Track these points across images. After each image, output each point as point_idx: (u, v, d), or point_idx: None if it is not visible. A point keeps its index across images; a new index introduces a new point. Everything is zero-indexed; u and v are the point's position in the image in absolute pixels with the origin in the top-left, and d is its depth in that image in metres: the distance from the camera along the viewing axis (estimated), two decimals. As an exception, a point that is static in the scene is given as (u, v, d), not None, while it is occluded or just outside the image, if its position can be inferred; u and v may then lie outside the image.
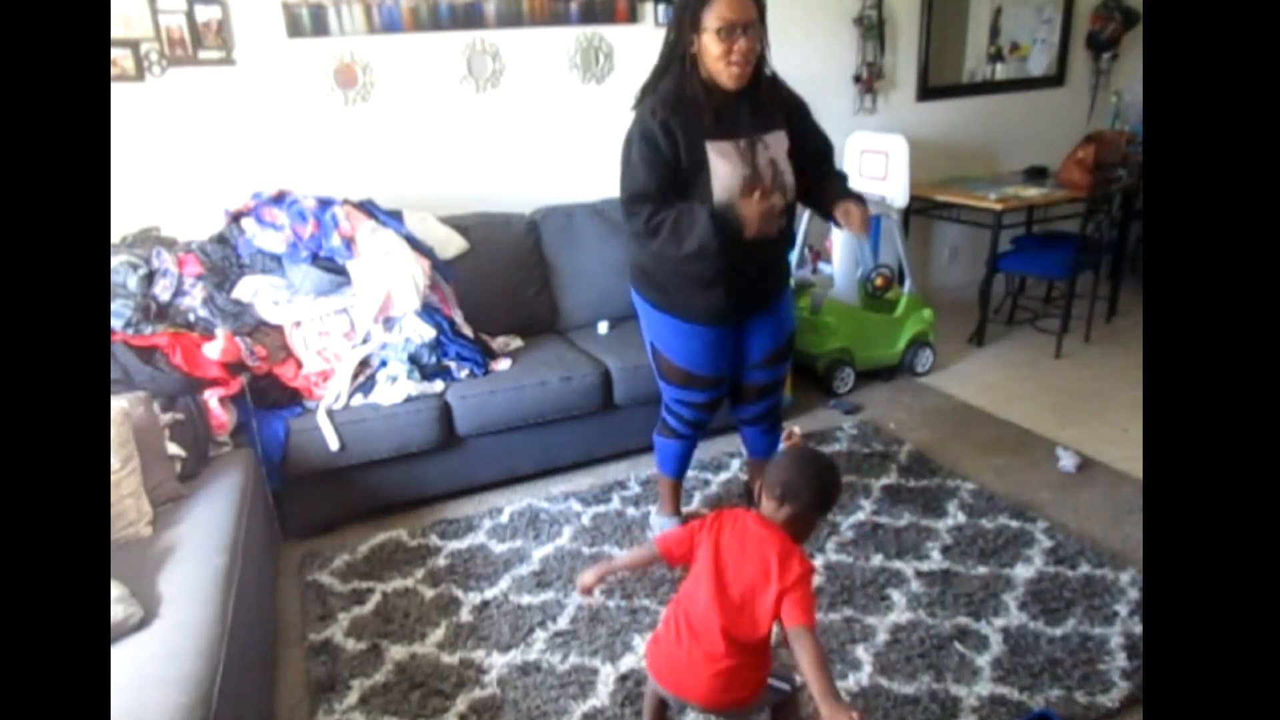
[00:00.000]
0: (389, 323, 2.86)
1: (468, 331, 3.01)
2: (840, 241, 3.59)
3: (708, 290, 2.21)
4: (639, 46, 3.65)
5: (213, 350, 2.55)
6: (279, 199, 2.85)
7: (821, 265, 3.91)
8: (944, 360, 3.94)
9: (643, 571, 2.46)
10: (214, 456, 2.47)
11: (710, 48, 2.02)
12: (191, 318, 2.65)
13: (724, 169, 2.08)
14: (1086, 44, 4.81)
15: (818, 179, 2.28)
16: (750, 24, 2.00)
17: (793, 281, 2.51)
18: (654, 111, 2.07)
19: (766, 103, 2.16)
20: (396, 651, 2.19)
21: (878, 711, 1.94)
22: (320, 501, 2.73)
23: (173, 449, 2.30)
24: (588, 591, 1.78)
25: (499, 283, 3.27)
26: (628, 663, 2.12)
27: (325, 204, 2.85)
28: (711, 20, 1.99)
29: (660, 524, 2.66)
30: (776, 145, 2.16)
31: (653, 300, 2.32)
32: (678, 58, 2.09)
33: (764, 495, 1.64)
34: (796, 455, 1.74)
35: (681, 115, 2.07)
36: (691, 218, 2.06)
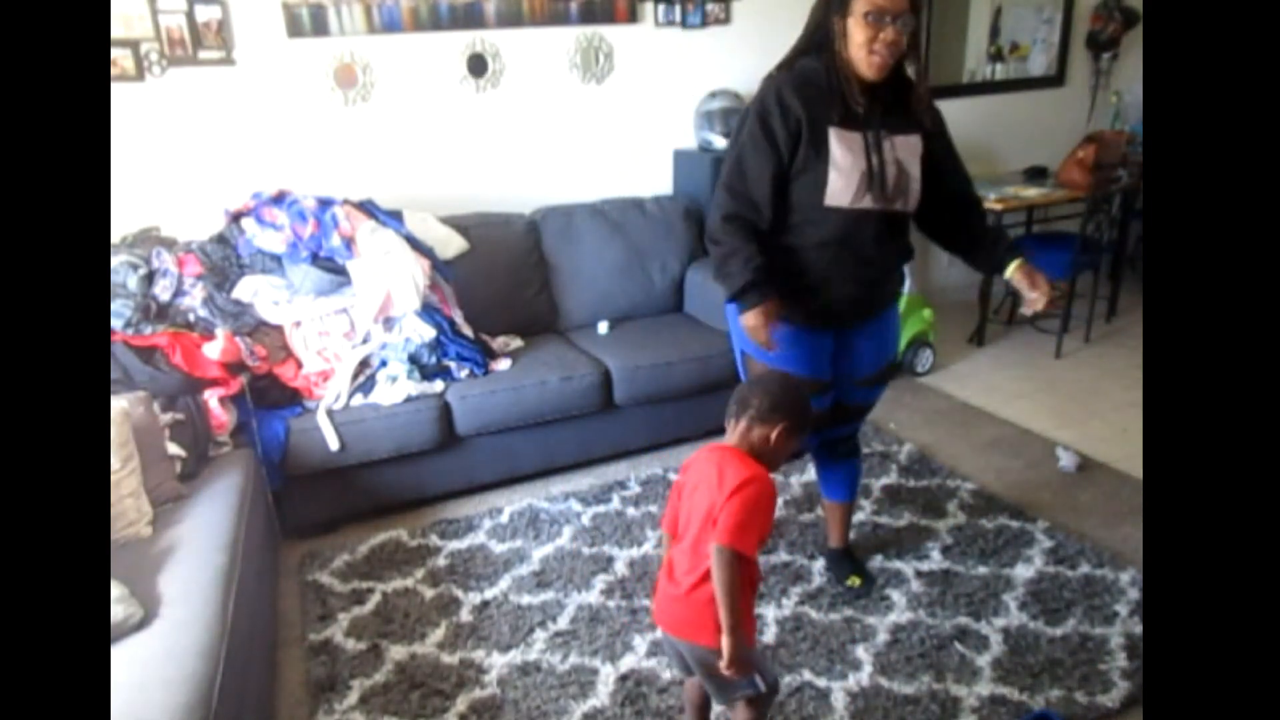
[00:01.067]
0: (389, 323, 2.86)
1: (468, 331, 3.01)
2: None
3: (811, 295, 2.04)
4: (639, 46, 3.65)
5: (213, 350, 2.55)
6: (279, 199, 2.85)
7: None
8: (944, 360, 3.94)
9: (642, 571, 2.47)
10: (214, 456, 2.47)
11: (855, 33, 1.87)
12: (191, 318, 2.65)
13: (845, 159, 1.92)
14: (1086, 44, 4.81)
15: (960, 215, 2.14)
16: (902, 14, 1.85)
17: (903, 300, 2.32)
18: (778, 89, 1.94)
19: (908, 105, 1.99)
20: (396, 651, 2.19)
21: (878, 711, 1.95)
22: (320, 501, 2.73)
23: (173, 449, 2.30)
24: None
25: (499, 283, 3.27)
26: (628, 663, 2.12)
27: (325, 204, 2.85)
28: (860, 4, 1.85)
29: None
30: (907, 149, 1.98)
31: None
32: (818, 40, 1.96)
33: (726, 423, 1.64)
34: (758, 374, 1.74)
35: (809, 97, 1.93)
36: (739, 266, 1.95)
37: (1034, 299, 2.06)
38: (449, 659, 2.16)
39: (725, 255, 1.98)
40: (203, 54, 3.02)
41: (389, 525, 2.78)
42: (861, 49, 1.88)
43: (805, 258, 2.01)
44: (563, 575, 2.48)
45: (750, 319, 1.96)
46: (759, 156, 1.95)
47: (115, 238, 2.84)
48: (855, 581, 2.37)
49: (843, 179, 1.92)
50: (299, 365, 2.79)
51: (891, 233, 2.04)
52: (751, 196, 1.97)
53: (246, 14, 3.05)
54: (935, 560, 2.47)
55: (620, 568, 2.51)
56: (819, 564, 2.48)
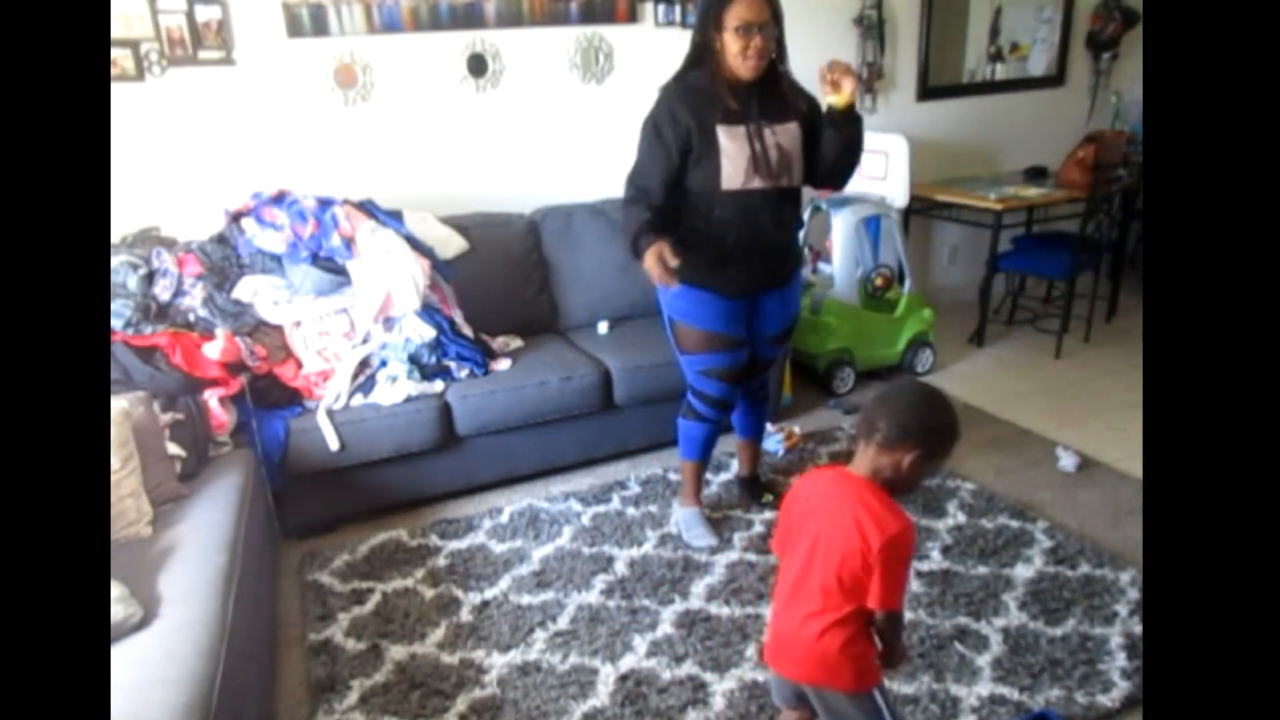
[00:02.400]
0: (389, 323, 2.86)
1: (468, 331, 3.01)
2: (840, 241, 3.59)
3: (723, 266, 2.36)
4: (639, 46, 3.65)
5: (213, 350, 2.55)
6: (279, 199, 2.85)
7: (821, 265, 3.90)
8: (944, 360, 3.94)
9: (642, 571, 2.47)
10: (214, 456, 2.47)
11: (730, 45, 2.23)
12: (191, 318, 2.65)
13: (732, 148, 2.27)
14: (1086, 44, 4.81)
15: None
16: (765, 24, 2.21)
17: (805, 271, 2.57)
18: (669, 103, 2.31)
19: (782, 98, 2.34)
20: (396, 651, 2.19)
21: (878, 711, 1.94)
22: (320, 501, 2.73)
23: (173, 449, 2.30)
24: None
25: (499, 283, 3.27)
26: (628, 663, 2.12)
27: (325, 204, 2.85)
28: (731, 20, 2.20)
29: (682, 515, 2.69)
30: (786, 134, 2.33)
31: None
32: (700, 55, 2.31)
33: (856, 438, 1.48)
34: (889, 385, 1.54)
35: (696, 104, 2.28)
36: (632, 225, 2.27)
37: (833, 79, 2.26)
38: (449, 659, 2.16)
39: (624, 226, 2.33)
40: (203, 54, 3.02)
41: (389, 525, 2.78)
42: (737, 57, 2.23)
43: (713, 235, 2.34)
44: (563, 575, 2.48)
45: (647, 260, 2.19)
46: (653, 158, 2.31)
47: (115, 238, 2.84)
48: (769, 498, 2.82)
49: (732, 165, 2.28)
50: (299, 365, 2.79)
51: (783, 206, 2.40)
52: (646, 186, 2.32)
53: (246, 14, 3.05)
54: (935, 560, 2.47)
55: (620, 568, 2.51)
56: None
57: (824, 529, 1.44)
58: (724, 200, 2.31)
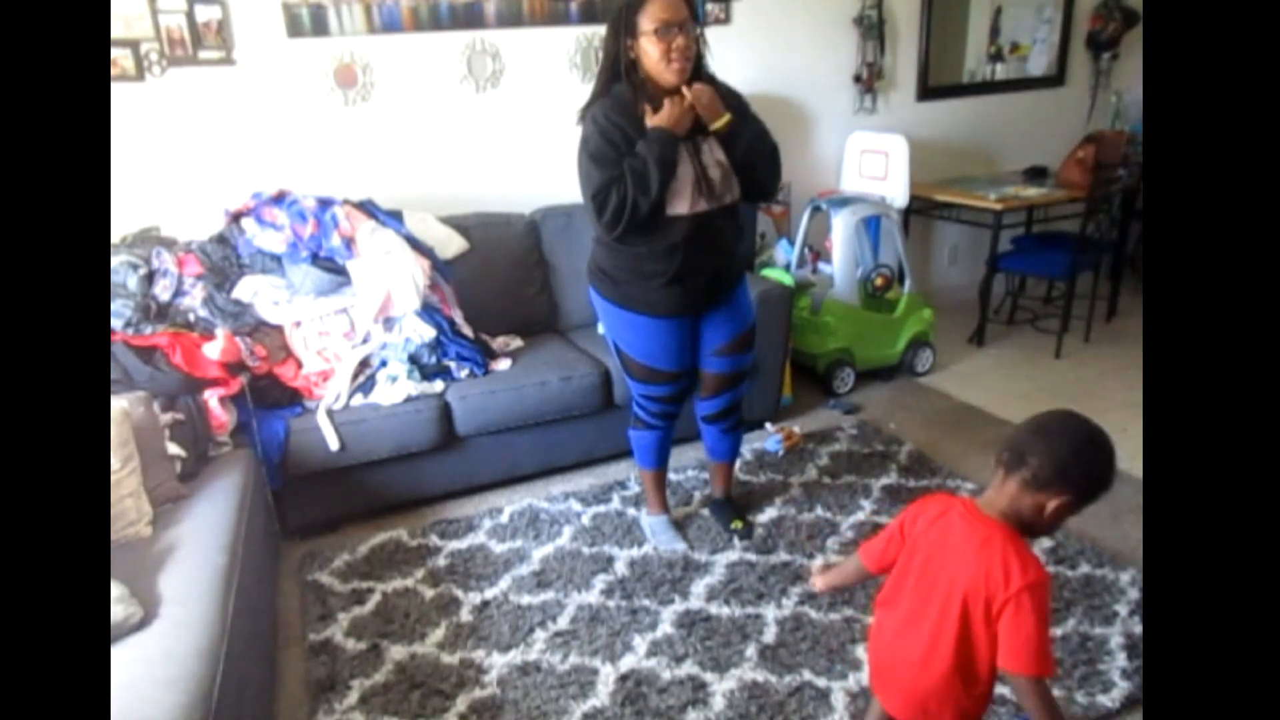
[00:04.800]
0: (389, 323, 2.86)
1: (468, 331, 3.01)
2: (840, 241, 3.59)
3: (665, 288, 2.26)
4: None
5: (213, 350, 2.55)
6: (279, 199, 2.85)
7: (821, 265, 3.90)
8: (944, 360, 3.94)
9: (642, 571, 2.47)
10: (214, 456, 2.47)
11: (649, 50, 2.09)
12: (191, 318, 2.65)
13: (676, 169, 2.14)
14: (1086, 44, 4.81)
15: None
16: (685, 22, 2.08)
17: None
18: (601, 118, 2.13)
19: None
20: (396, 651, 2.19)
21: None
22: (320, 501, 2.73)
23: (173, 449, 2.30)
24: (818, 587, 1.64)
25: (499, 283, 3.27)
26: (628, 663, 2.12)
27: (325, 204, 2.85)
28: (647, 23, 2.07)
29: (650, 524, 2.66)
30: (717, 147, 2.21)
31: (611, 297, 2.35)
32: (617, 70, 2.16)
33: (995, 468, 1.33)
34: (1048, 416, 1.34)
35: (628, 120, 2.13)
36: (640, 160, 2.10)
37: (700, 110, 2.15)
38: (449, 659, 2.16)
39: (629, 181, 2.09)
40: (203, 54, 3.02)
41: (389, 525, 2.78)
42: (660, 62, 2.09)
43: (658, 260, 2.21)
44: (563, 575, 2.48)
45: (667, 115, 2.10)
46: (608, 171, 2.10)
47: (115, 238, 2.84)
48: (738, 524, 2.66)
49: (676, 188, 2.14)
50: (299, 365, 2.79)
51: (726, 225, 2.28)
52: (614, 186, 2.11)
53: (246, 14, 3.05)
54: (935, 560, 2.47)
55: (620, 568, 2.51)
56: (818, 563, 2.48)
57: (948, 573, 1.32)
58: (669, 225, 2.17)
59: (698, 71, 2.18)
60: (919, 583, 1.39)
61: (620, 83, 2.16)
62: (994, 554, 1.26)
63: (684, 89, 2.12)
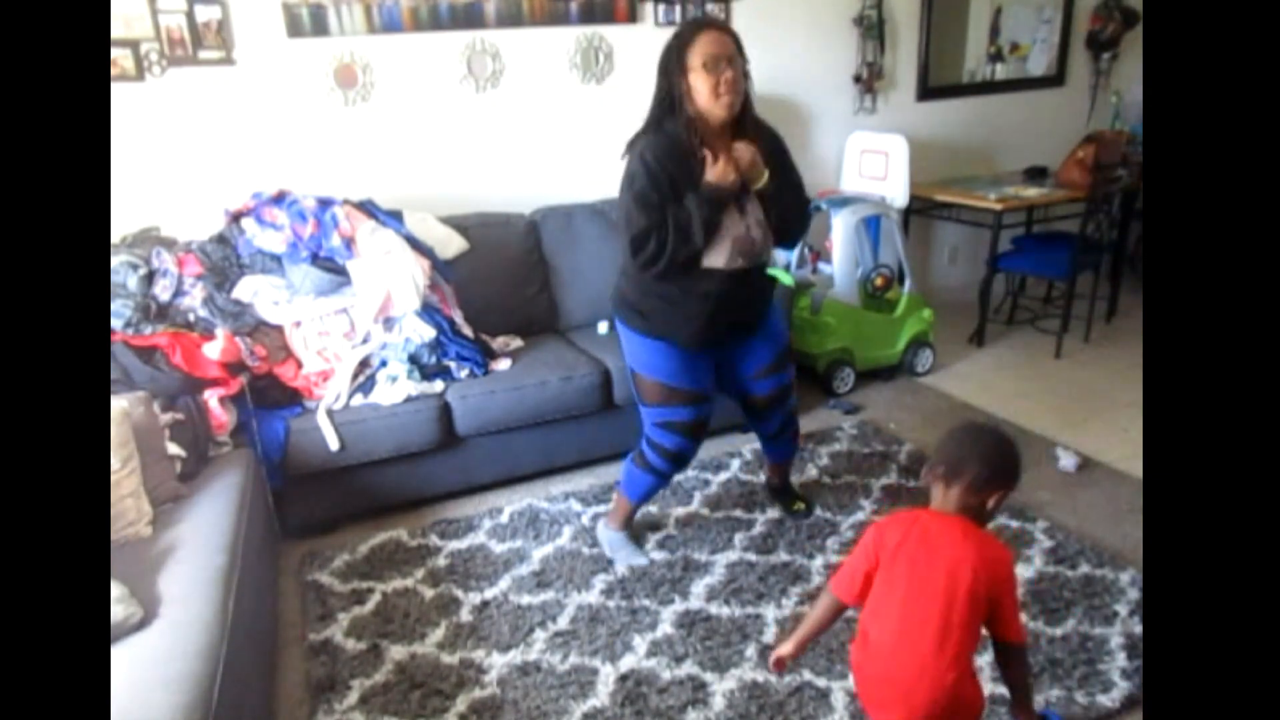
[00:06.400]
0: (389, 323, 2.86)
1: (468, 331, 3.01)
2: (840, 241, 3.59)
3: (689, 326, 2.27)
4: (639, 46, 3.65)
5: (213, 350, 2.55)
6: (279, 199, 2.85)
7: (821, 265, 3.90)
8: (944, 360, 3.94)
9: (642, 571, 2.47)
10: (214, 456, 2.47)
11: (698, 86, 2.12)
12: (191, 318, 2.65)
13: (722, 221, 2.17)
14: (1086, 44, 4.81)
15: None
16: (733, 56, 2.13)
17: (791, 281, 2.50)
18: (651, 160, 2.13)
19: (755, 146, 2.21)
20: (396, 651, 2.19)
21: (878, 711, 1.94)
22: (320, 501, 2.73)
23: (173, 449, 2.30)
24: (781, 665, 1.68)
25: (499, 283, 3.27)
26: (628, 663, 2.12)
27: (325, 204, 2.85)
28: (696, 59, 2.11)
29: (610, 539, 2.59)
30: (758, 205, 2.24)
31: (635, 326, 2.34)
32: (668, 106, 2.18)
33: (931, 482, 1.57)
34: (957, 430, 1.63)
35: (676, 165, 2.14)
36: (687, 214, 2.13)
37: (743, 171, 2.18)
38: (449, 659, 2.16)
39: (671, 232, 2.12)
40: (203, 54, 3.02)
41: (389, 525, 2.78)
42: (709, 97, 2.12)
43: (688, 302, 2.23)
44: (563, 575, 2.48)
45: (717, 174, 2.12)
46: (650, 215, 2.12)
47: (115, 238, 2.84)
48: (800, 506, 2.75)
49: (718, 247, 2.17)
50: (299, 365, 2.79)
51: (762, 277, 2.31)
52: (654, 233, 2.14)
53: (246, 14, 3.05)
54: (935, 560, 2.47)
55: (620, 568, 2.51)
56: (818, 563, 2.48)
57: (942, 567, 1.47)
58: (704, 275, 2.19)
59: (744, 108, 2.20)
60: (911, 586, 1.49)
61: (670, 120, 2.17)
62: (977, 539, 1.49)
63: (730, 151, 2.14)
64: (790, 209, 2.30)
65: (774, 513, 2.76)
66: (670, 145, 2.15)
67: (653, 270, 2.17)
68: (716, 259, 2.18)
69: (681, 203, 2.13)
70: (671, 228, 2.12)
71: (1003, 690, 1.97)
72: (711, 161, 2.14)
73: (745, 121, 2.22)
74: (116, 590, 1.69)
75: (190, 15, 2.97)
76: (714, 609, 2.31)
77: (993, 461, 1.53)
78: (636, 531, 2.64)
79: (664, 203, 2.12)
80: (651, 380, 2.35)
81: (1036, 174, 4.37)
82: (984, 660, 2.07)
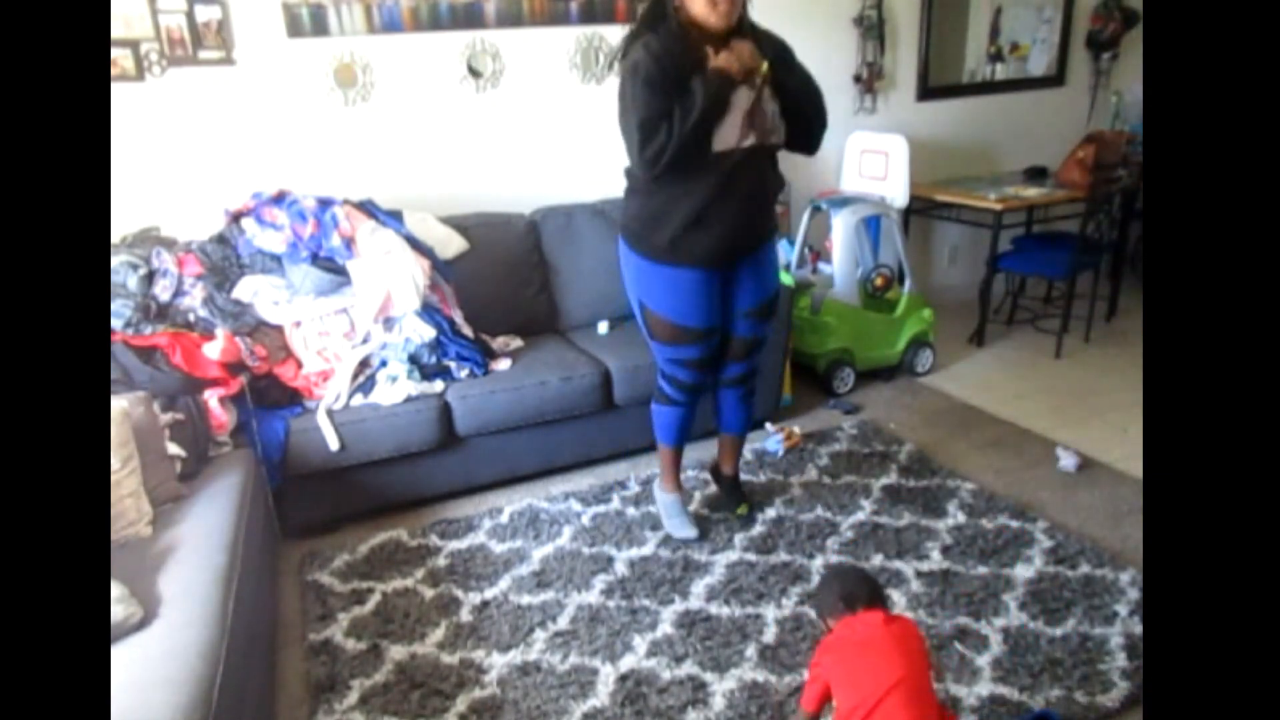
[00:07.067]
0: (389, 323, 2.86)
1: (468, 331, 3.01)
2: (840, 241, 3.60)
3: (697, 229, 2.23)
4: (639, 46, 3.65)
5: (213, 350, 2.55)
6: (279, 199, 2.85)
7: (821, 265, 3.91)
8: (944, 360, 3.94)
9: (642, 571, 2.47)
10: (214, 456, 2.47)
11: None
12: (191, 318, 2.65)
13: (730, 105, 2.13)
14: (1086, 44, 4.81)
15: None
16: None
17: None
18: (656, 46, 2.10)
19: (757, 45, 2.18)
20: (396, 651, 2.19)
21: (878, 711, 1.94)
22: (320, 501, 2.73)
23: (173, 449, 2.30)
24: None
25: (499, 283, 3.27)
26: (628, 663, 2.12)
27: (325, 204, 2.85)
28: None
29: (665, 501, 2.67)
30: (766, 90, 2.19)
31: (642, 251, 2.33)
32: (660, 11, 2.15)
33: (829, 619, 1.72)
34: (834, 572, 1.97)
35: (677, 57, 2.10)
36: (693, 98, 2.09)
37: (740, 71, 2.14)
38: (449, 659, 2.16)
39: (676, 119, 2.07)
40: (203, 54, 3.02)
41: (389, 525, 2.78)
42: (705, 6, 2.08)
43: (694, 201, 2.19)
44: (563, 575, 2.48)
45: (723, 64, 2.08)
46: (658, 96, 2.07)
47: (115, 238, 2.84)
48: (743, 510, 2.72)
49: (729, 123, 2.12)
50: (299, 365, 2.79)
51: (769, 165, 2.30)
52: (666, 119, 2.09)
53: (246, 14, 3.05)
54: (935, 560, 2.47)
55: (620, 568, 2.51)
56: (818, 563, 2.48)
57: (898, 631, 1.61)
58: (712, 164, 2.15)
59: (742, 19, 2.16)
60: (884, 657, 1.56)
61: (663, 25, 2.14)
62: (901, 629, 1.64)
63: (724, 52, 2.11)
64: (802, 95, 2.27)
65: (774, 512, 2.76)
66: (671, 40, 2.12)
67: (663, 161, 2.10)
68: (728, 137, 2.14)
69: (688, 91, 2.09)
70: (678, 111, 2.08)
71: (1003, 690, 1.97)
72: (713, 56, 2.11)
73: (742, 29, 2.18)
74: (116, 590, 1.69)
75: (190, 15, 2.97)
76: (714, 609, 2.31)
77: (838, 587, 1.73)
78: (714, 519, 2.69)
79: (673, 87, 2.08)
80: (661, 318, 2.35)
81: (1036, 174, 4.37)
82: (984, 661, 2.07)
